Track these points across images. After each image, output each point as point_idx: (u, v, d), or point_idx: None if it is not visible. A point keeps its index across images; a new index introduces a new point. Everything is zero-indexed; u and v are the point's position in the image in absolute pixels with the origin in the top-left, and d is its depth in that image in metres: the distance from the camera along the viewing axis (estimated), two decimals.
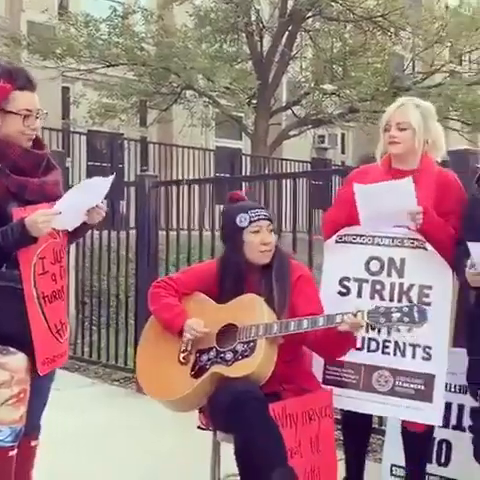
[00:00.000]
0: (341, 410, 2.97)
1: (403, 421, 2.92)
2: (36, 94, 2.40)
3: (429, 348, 2.74)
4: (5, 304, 2.34)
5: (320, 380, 2.85)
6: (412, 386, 2.76)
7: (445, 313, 2.75)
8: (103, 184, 2.45)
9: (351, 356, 2.76)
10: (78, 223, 2.48)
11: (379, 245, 2.84)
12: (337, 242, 2.92)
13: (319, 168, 13.54)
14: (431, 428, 2.90)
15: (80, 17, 10.97)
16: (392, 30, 11.90)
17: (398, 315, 2.36)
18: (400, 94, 11.26)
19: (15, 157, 2.33)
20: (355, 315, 2.41)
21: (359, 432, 3.02)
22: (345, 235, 2.90)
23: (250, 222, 2.69)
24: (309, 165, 13.61)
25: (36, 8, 11.16)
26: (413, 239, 2.77)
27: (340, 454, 2.95)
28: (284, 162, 12.79)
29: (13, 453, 2.42)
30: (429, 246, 2.73)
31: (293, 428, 2.52)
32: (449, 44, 12.36)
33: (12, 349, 2.36)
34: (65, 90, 12.27)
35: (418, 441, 2.88)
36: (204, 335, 2.62)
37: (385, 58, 12.09)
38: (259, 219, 2.70)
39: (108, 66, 11.01)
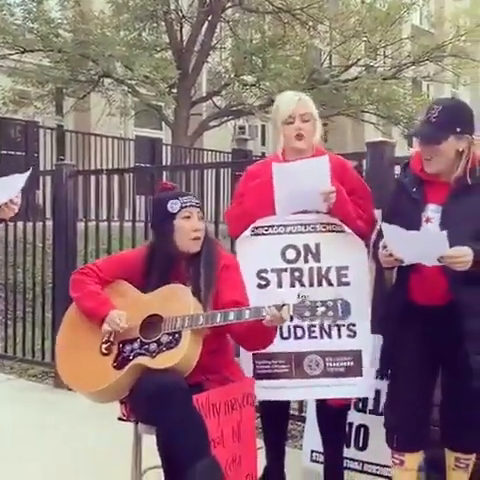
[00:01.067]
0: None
1: (318, 403, 2.99)
2: None
3: (353, 325, 2.82)
4: None
5: (250, 375, 2.84)
6: (342, 364, 2.83)
7: (364, 289, 2.83)
8: (18, 180, 2.44)
9: (279, 346, 2.79)
10: None
11: (292, 233, 2.87)
12: (251, 235, 2.91)
13: (240, 159, 13.61)
14: (348, 406, 2.97)
15: None
16: (310, 23, 12.08)
17: (323, 309, 2.39)
18: (317, 87, 11.49)
19: None
20: (281, 308, 2.43)
21: (278, 420, 3.05)
22: (257, 227, 2.91)
23: (181, 207, 2.68)
24: (230, 156, 13.66)
25: None
26: (325, 223, 2.84)
27: (261, 442, 2.98)
28: (205, 152, 12.77)
29: None
30: (347, 228, 2.80)
31: (216, 418, 2.52)
32: (365, 38, 12.66)
33: None
34: None
35: (334, 418, 2.95)
36: (123, 330, 2.57)
37: (303, 51, 12.26)
38: (190, 205, 2.70)
39: (22, 52, 10.64)
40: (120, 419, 2.72)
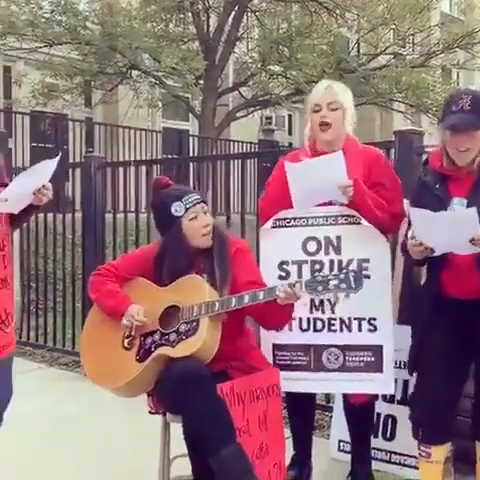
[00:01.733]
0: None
1: (344, 394, 2.98)
2: None
3: (374, 319, 2.81)
4: None
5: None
6: (362, 359, 2.82)
7: (385, 283, 2.82)
8: (49, 165, 2.46)
9: (298, 338, 2.80)
10: (24, 205, 2.45)
11: (314, 225, 2.87)
12: (273, 227, 2.93)
13: (267, 149, 13.57)
14: (372, 401, 2.97)
15: None
16: (338, 12, 11.95)
17: (335, 282, 2.39)
18: (345, 76, 11.38)
19: None
20: (293, 285, 2.43)
21: (304, 410, 3.06)
22: (279, 220, 2.92)
23: (186, 210, 2.68)
24: (256, 146, 13.62)
25: None
26: (347, 216, 2.83)
27: (288, 432, 3.00)
28: (232, 143, 12.76)
29: None
30: (364, 221, 2.78)
31: (241, 407, 2.54)
32: (393, 26, 12.49)
33: None
34: (6, 69, 11.91)
35: (360, 414, 2.95)
36: (142, 324, 2.61)
37: (331, 40, 12.14)
38: (194, 204, 2.70)
39: (51, 45, 10.72)
40: (150, 412, 2.76)
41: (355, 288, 2.39)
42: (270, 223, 2.93)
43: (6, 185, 2.51)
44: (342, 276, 2.40)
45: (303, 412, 3.07)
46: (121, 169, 5.13)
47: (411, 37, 13.29)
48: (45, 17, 10.48)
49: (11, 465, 3.17)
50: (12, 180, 2.48)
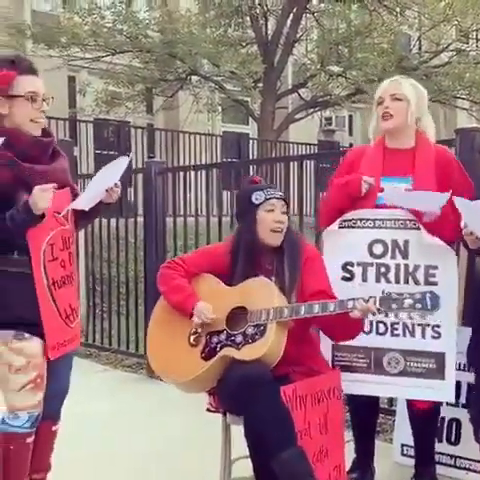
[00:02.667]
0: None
1: (408, 400, 2.93)
2: (40, 79, 2.45)
3: (438, 327, 2.75)
4: (18, 289, 2.38)
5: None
6: (423, 365, 2.77)
7: (452, 291, 2.75)
8: (120, 163, 2.54)
9: (360, 340, 2.76)
10: (94, 203, 2.53)
11: (381, 228, 2.82)
12: (339, 228, 2.90)
13: (326, 150, 13.49)
14: (437, 405, 2.91)
15: (84, 4, 10.93)
16: (398, 9, 11.79)
17: (410, 302, 2.35)
18: (407, 74, 11.19)
19: (24, 146, 2.37)
20: (367, 301, 2.41)
21: (367, 414, 3.03)
22: (345, 220, 2.88)
23: (265, 199, 2.70)
24: (316, 148, 13.56)
25: None
26: (415, 220, 2.77)
27: (349, 435, 2.97)
28: (291, 145, 12.74)
29: (30, 440, 2.47)
30: (423, 229, 2.72)
31: (302, 410, 2.53)
32: (456, 22, 12.22)
33: (27, 334, 2.40)
34: (71, 79, 12.25)
35: (424, 418, 2.90)
36: (211, 321, 2.63)
37: (391, 38, 11.96)
38: (274, 198, 2.71)
39: (113, 54, 10.98)
40: (208, 410, 2.78)
41: (431, 310, 2.34)
42: (336, 224, 2.91)
43: (73, 189, 2.60)
44: (418, 296, 2.35)
45: (366, 415, 3.03)
46: (181, 173, 5.20)
47: (474, 33, 12.97)
48: (107, 27, 10.74)
49: (80, 465, 3.25)
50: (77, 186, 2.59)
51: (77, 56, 10.81)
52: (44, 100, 2.43)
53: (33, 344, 2.41)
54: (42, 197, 2.31)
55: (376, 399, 3.05)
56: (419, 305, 2.35)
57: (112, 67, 11.12)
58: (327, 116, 15.12)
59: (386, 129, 2.84)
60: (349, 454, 2.84)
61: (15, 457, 2.45)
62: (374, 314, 2.47)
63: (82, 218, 2.63)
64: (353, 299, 2.44)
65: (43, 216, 2.35)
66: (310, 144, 13.29)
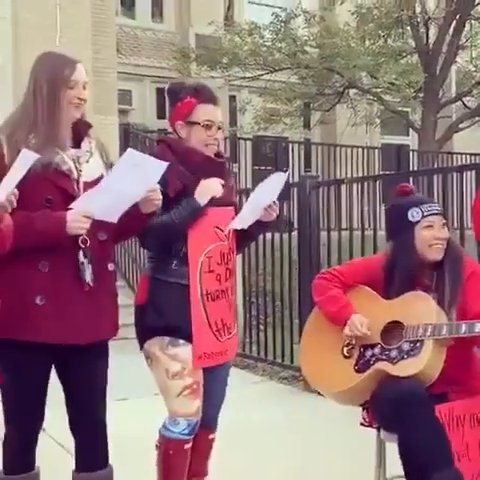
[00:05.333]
0: None
1: None
2: (218, 108, 2.59)
3: None
4: (174, 299, 2.50)
5: None
6: None
7: None
8: (278, 180, 2.57)
9: None
10: (252, 221, 2.58)
11: None
12: None
13: None
14: None
15: (245, 26, 11.30)
16: None
17: None
18: None
19: (196, 162, 2.52)
20: None
21: None
22: None
23: (423, 216, 2.61)
24: None
25: (203, 21, 11.67)
26: None
27: None
28: (454, 156, 12.24)
29: (188, 446, 2.56)
30: None
31: (460, 431, 2.43)
32: None
33: (182, 341, 2.50)
34: (232, 98, 12.69)
35: None
36: (364, 335, 2.59)
37: None
38: (432, 214, 2.62)
39: (272, 72, 11.22)
40: (362, 424, 2.74)
41: None
42: None
43: (237, 208, 2.66)
44: None
45: None
46: (337, 187, 5.18)
47: None
48: (266, 45, 11.02)
49: (234, 474, 3.32)
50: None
51: (237, 76, 11.18)
52: (219, 128, 2.56)
53: (187, 351, 2.50)
54: (209, 187, 2.47)
55: None
56: None
57: (271, 84, 11.37)
58: None
59: None
60: None
61: (174, 462, 2.55)
62: None
63: (244, 238, 2.68)
64: None
65: (204, 211, 2.47)
66: (475, 154, 12.67)
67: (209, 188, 2.50)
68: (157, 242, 2.51)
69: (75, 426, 2.40)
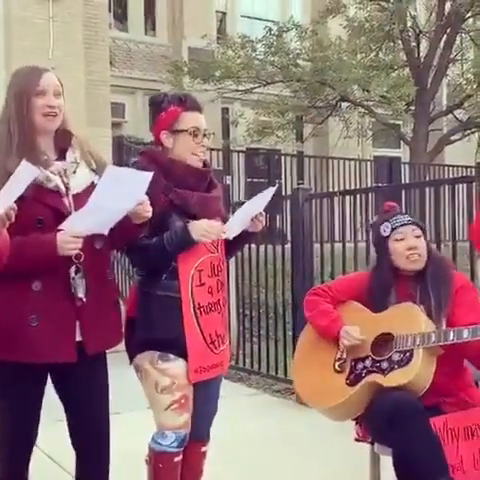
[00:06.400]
0: None
1: None
2: (203, 116, 2.58)
3: None
4: (165, 312, 2.47)
5: None
6: None
7: None
8: (267, 194, 2.56)
9: None
10: (238, 231, 2.57)
11: None
12: None
13: None
14: None
15: (237, 39, 11.37)
16: None
17: None
18: None
19: (181, 175, 2.50)
20: None
21: None
22: None
23: (392, 229, 2.67)
24: (473, 171, 12.97)
25: (196, 34, 11.73)
26: None
27: None
28: (445, 168, 12.31)
29: (178, 459, 2.53)
30: None
31: (454, 444, 2.43)
32: None
33: (172, 356, 2.47)
34: (224, 111, 12.73)
35: None
36: (360, 342, 2.60)
37: None
38: (401, 225, 2.66)
39: (264, 85, 11.28)
40: (357, 440, 2.74)
41: None
42: None
43: (224, 218, 2.64)
44: None
45: None
46: (329, 199, 5.19)
47: None
48: (259, 59, 11.08)
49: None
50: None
51: (230, 88, 11.23)
52: (205, 135, 2.56)
53: (178, 365, 2.47)
54: (207, 232, 2.42)
55: None
56: None
57: (263, 97, 11.42)
58: None
59: None
60: None
61: (164, 475, 2.52)
62: None
63: (231, 247, 2.68)
64: None
65: (196, 242, 2.44)
66: (466, 167, 12.75)
67: (210, 233, 2.44)
68: (146, 262, 2.50)
69: (76, 440, 2.36)
